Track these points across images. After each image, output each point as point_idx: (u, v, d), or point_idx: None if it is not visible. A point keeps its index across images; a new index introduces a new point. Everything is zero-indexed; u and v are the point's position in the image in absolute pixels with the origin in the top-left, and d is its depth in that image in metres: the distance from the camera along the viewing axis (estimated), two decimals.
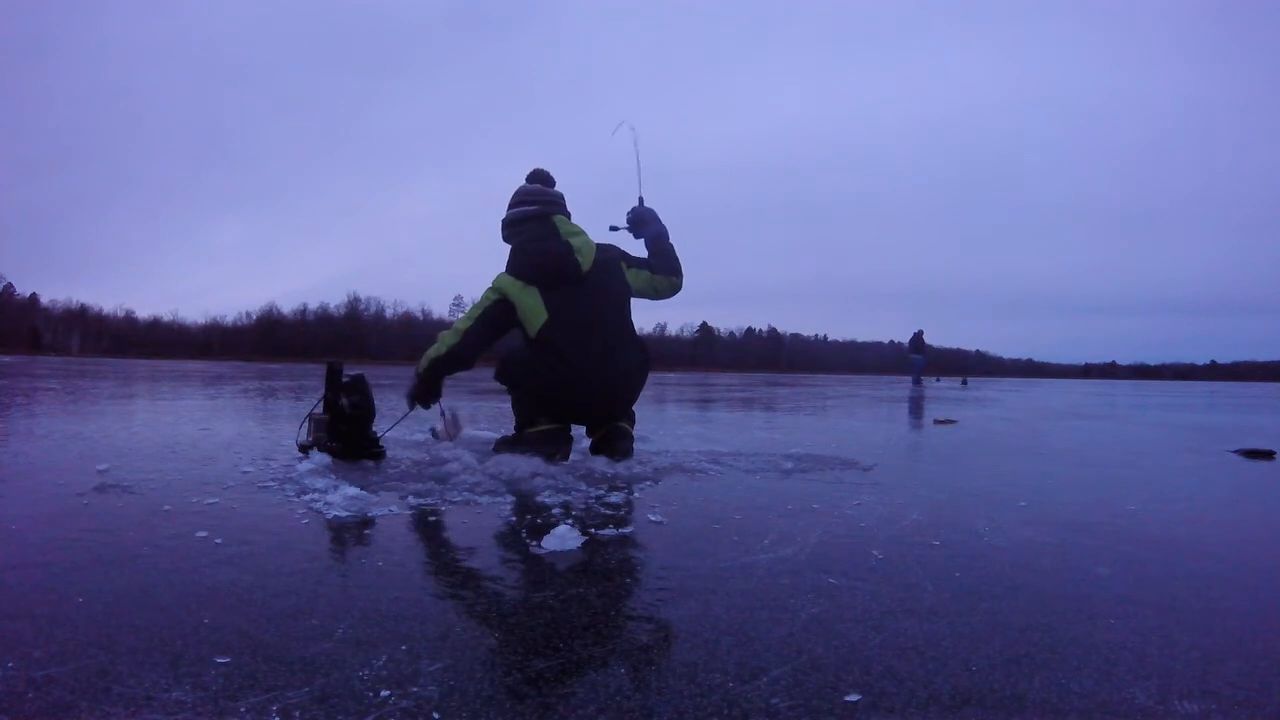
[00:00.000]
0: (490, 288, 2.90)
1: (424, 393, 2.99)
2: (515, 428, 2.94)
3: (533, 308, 2.82)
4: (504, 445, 2.86)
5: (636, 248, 3.15)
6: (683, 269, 3.11)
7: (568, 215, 3.01)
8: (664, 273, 3.05)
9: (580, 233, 2.96)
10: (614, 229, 3.12)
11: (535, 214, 2.94)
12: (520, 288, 2.84)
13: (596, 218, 3.08)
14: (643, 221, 3.11)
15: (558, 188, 3.08)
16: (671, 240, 3.12)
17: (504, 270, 2.93)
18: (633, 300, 3.04)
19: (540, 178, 3.07)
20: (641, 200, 3.13)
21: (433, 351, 2.92)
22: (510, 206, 3.02)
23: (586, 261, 2.89)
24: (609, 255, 2.99)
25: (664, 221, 3.13)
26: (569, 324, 2.81)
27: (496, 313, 2.87)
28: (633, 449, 2.92)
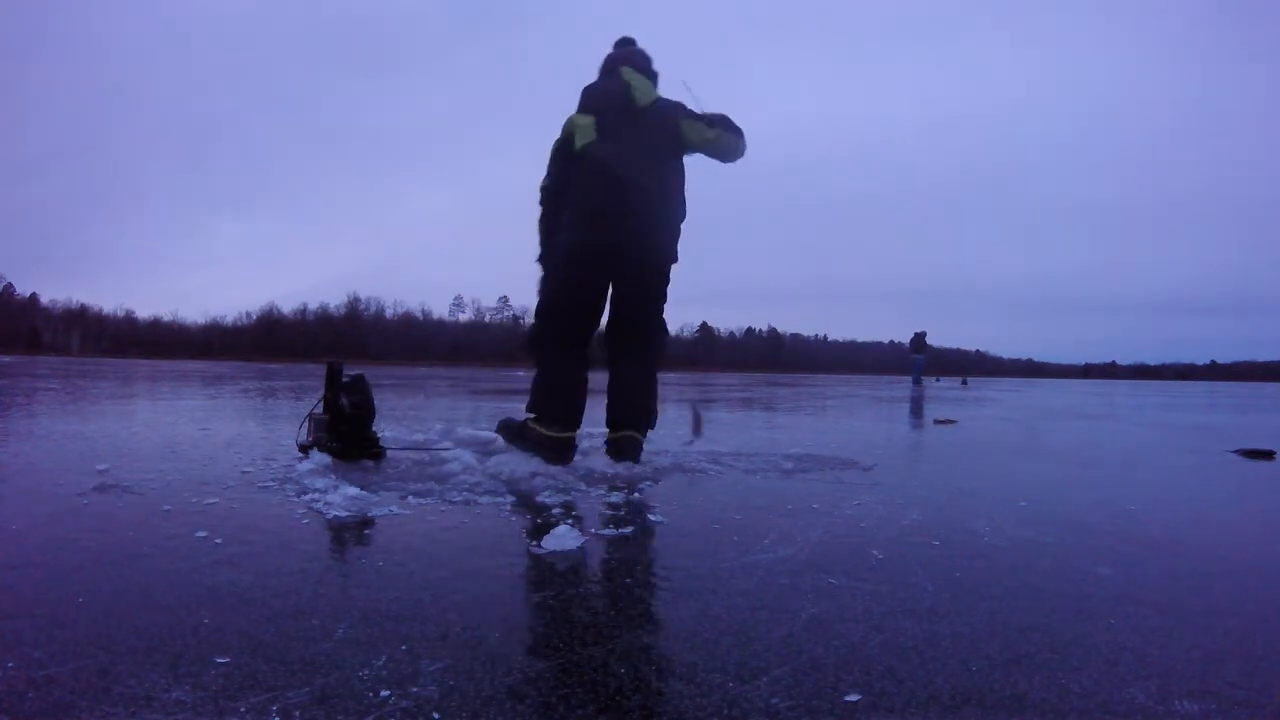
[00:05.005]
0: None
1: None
2: (527, 407, 2.91)
3: (584, 128, 2.94)
4: (508, 431, 2.89)
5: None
6: (740, 135, 3.00)
7: (637, 68, 3.08)
8: (730, 130, 2.99)
9: (643, 77, 3.04)
10: (686, 86, 3.08)
11: (605, 68, 3.10)
12: (579, 115, 2.98)
13: None
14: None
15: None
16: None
17: None
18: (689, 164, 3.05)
19: (624, 42, 3.18)
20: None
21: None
22: None
23: (642, 98, 2.97)
24: (669, 103, 3.03)
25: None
26: (614, 143, 2.90)
27: (561, 142, 3.00)
28: (639, 458, 2.89)
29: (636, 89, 2.98)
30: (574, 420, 2.88)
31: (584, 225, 2.88)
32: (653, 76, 3.11)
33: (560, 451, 2.78)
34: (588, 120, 2.94)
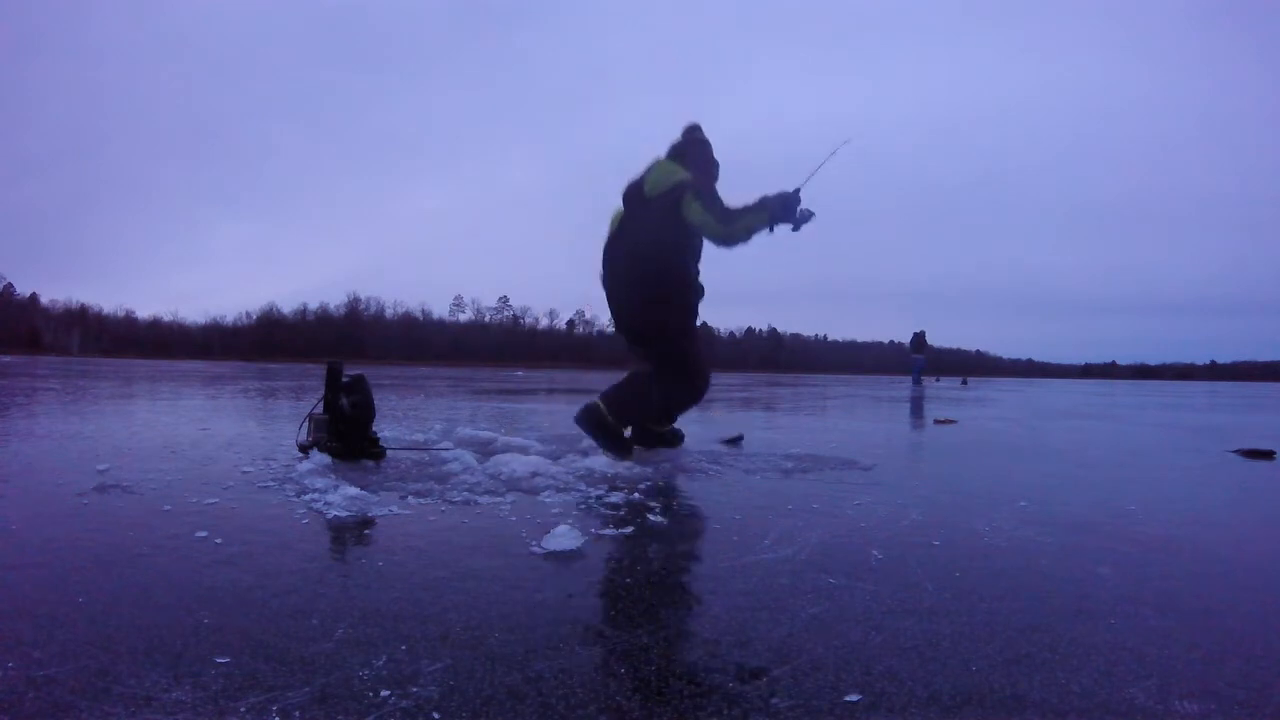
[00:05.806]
0: None
1: None
2: None
3: (614, 222, 3.30)
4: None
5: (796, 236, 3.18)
6: (732, 225, 3.03)
7: (675, 154, 3.25)
8: (723, 219, 3.03)
9: (664, 165, 3.20)
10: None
11: None
12: (617, 210, 3.32)
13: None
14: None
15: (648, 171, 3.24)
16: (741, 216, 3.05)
17: None
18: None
19: (689, 130, 3.37)
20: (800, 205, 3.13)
21: None
22: None
23: (652, 189, 3.14)
24: (680, 189, 3.08)
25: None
26: (621, 239, 3.21)
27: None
28: (589, 426, 3.07)
29: (649, 182, 3.17)
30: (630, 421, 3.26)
31: (611, 314, 3.36)
32: (710, 165, 3.27)
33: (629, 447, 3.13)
34: (618, 214, 3.30)
